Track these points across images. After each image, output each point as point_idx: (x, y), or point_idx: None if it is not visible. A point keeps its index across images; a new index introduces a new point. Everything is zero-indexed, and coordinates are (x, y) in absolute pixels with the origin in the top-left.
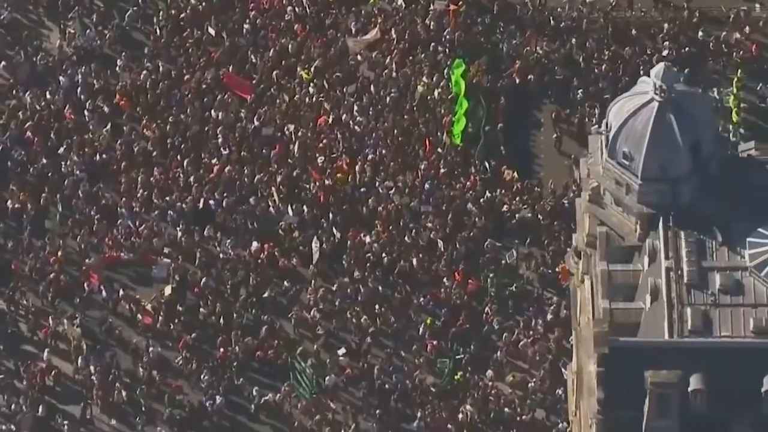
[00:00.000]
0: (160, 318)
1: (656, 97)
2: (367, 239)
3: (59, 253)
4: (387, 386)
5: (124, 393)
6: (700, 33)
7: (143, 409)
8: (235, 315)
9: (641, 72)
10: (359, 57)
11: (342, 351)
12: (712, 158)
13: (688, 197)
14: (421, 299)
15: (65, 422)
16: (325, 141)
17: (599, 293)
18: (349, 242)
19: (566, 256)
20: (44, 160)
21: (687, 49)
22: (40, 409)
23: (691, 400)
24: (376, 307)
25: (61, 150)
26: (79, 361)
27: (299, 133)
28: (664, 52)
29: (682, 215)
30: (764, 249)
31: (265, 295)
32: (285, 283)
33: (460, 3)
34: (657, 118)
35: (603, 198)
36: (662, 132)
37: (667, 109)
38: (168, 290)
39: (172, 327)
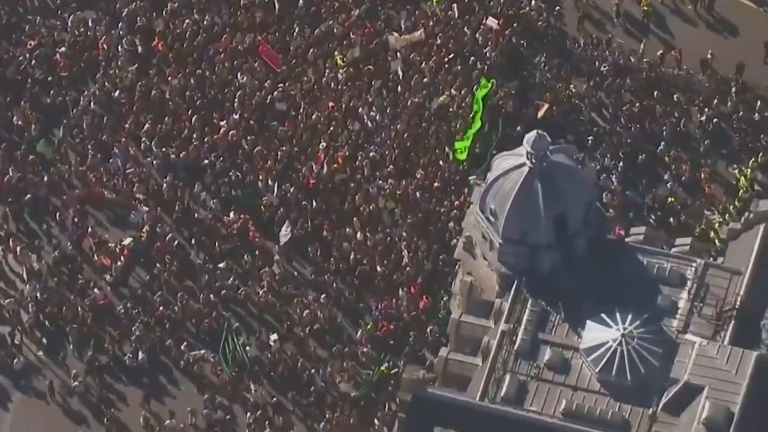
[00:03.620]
0: (118, 263)
1: (527, 162)
2: (340, 234)
3: (45, 178)
4: (307, 381)
5: (52, 326)
6: (740, 107)
7: (70, 346)
8: (188, 277)
9: (664, 132)
10: (397, 54)
11: (274, 336)
12: (579, 234)
13: (547, 266)
14: (372, 305)
15: None
16: (332, 128)
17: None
18: (323, 233)
19: (451, 299)
20: (63, 84)
21: (716, 120)
22: None
23: None
24: (323, 300)
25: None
26: (27, 287)
27: (312, 116)
28: (699, 117)
29: (535, 283)
30: (598, 335)
31: (222, 264)
32: (246, 257)
33: (503, 23)
34: (524, 183)
35: (475, 249)
36: (526, 198)
37: (535, 176)
38: (127, 240)
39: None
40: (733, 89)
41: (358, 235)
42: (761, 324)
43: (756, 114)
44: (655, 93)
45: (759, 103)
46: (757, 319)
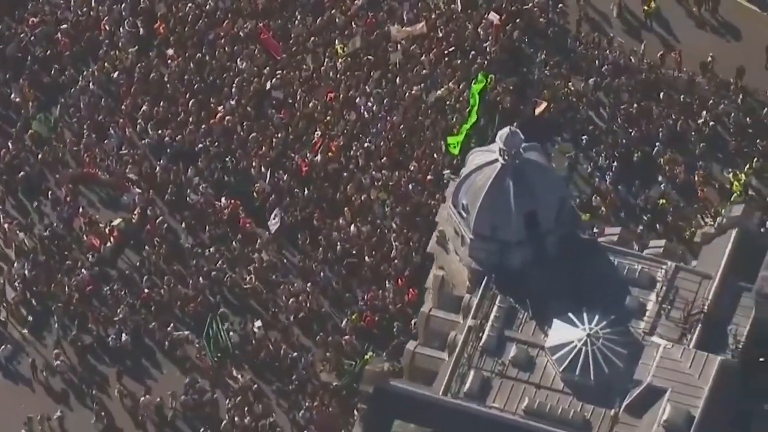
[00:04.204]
0: (107, 245)
1: (500, 158)
2: (331, 223)
3: (39, 156)
4: (289, 369)
5: (38, 305)
6: (738, 111)
7: (55, 325)
8: (176, 261)
9: (660, 133)
10: (398, 46)
11: (259, 323)
12: (551, 232)
13: (517, 263)
14: (359, 296)
15: None
16: (329, 117)
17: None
18: (313, 222)
19: (426, 293)
20: (63, 62)
21: (713, 123)
22: None
23: None
24: (309, 288)
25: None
26: (15, 264)
27: (309, 105)
28: (697, 120)
29: (505, 280)
30: (564, 334)
31: (212, 249)
32: (234, 243)
33: (504, 18)
34: (496, 179)
35: (447, 243)
36: (497, 194)
37: (507, 173)
38: (117, 221)
39: (113, 256)
40: (734, 93)
41: (351, 227)
42: (728, 329)
43: (754, 119)
44: (655, 94)
45: (758, 107)
46: (724, 324)
